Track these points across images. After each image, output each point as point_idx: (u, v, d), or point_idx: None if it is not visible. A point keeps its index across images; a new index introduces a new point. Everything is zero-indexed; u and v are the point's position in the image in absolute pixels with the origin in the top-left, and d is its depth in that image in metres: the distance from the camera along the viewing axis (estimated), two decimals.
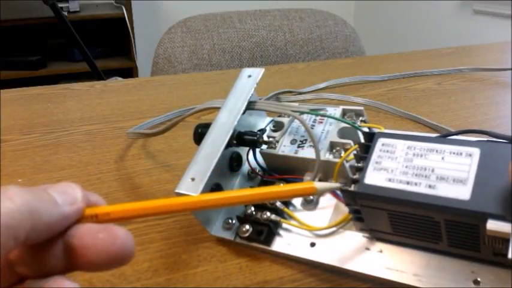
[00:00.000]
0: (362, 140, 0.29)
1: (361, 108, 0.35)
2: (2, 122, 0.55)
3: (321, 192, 0.24)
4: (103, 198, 0.22)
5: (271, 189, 0.23)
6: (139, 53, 2.05)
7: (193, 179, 0.30)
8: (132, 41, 1.99)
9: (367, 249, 0.29)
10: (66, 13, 1.84)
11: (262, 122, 0.39)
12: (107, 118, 0.56)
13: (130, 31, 1.97)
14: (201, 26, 1.04)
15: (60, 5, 1.50)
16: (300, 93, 0.62)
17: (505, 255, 0.22)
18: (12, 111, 0.58)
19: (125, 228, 0.19)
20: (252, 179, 0.36)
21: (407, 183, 0.25)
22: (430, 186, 0.24)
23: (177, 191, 0.30)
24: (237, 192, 0.23)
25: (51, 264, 0.19)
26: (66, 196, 0.19)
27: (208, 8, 1.42)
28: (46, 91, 0.67)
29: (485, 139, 0.29)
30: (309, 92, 0.63)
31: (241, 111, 0.34)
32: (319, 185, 0.24)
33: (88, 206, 0.20)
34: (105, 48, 2.11)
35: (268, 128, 0.37)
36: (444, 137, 0.30)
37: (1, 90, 0.65)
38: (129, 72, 2.07)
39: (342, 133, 0.34)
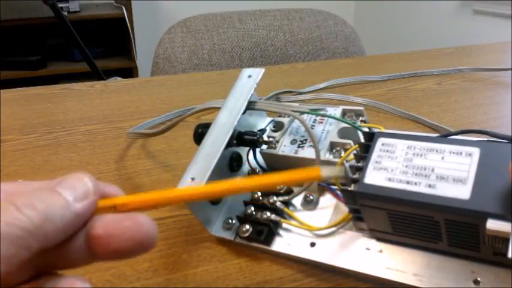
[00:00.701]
0: (362, 140, 0.29)
1: (361, 108, 0.35)
2: (2, 122, 0.55)
3: (325, 179, 0.23)
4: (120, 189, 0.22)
5: (276, 176, 0.23)
6: (139, 53, 2.05)
7: (193, 179, 0.30)
8: (132, 41, 1.99)
9: (367, 249, 0.29)
10: (66, 13, 1.84)
11: (262, 122, 0.39)
12: (107, 118, 0.56)
13: (130, 31, 1.97)
14: (201, 26, 1.04)
15: (60, 5, 1.50)
16: (300, 93, 0.62)
17: (505, 254, 0.22)
18: (12, 111, 0.58)
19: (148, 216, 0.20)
20: None
21: (407, 182, 0.25)
22: (430, 186, 0.24)
23: None
24: (247, 180, 0.22)
25: (70, 258, 0.19)
26: (76, 191, 0.19)
27: (208, 8, 1.42)
28: (46, 91, 0.67)
29: (485, 139, 0.29)
30: (309, 92, 0.63)
31: (241, 111, 0.34)
32: (324, 171, 0.23)
33: (105, 197, 0.20)
34: (105, 48, 2.11)
35: (268, 128, 0.37)
36: (444, 137, 0.30)
37: (1, 90, 0.65)
38: (129, 72, 2.07)
39: (342, 133, 0.34)
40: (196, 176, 0.30)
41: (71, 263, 0.19)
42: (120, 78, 1.44)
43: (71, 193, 0.19)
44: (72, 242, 0.19)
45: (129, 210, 0.20)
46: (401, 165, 0.26)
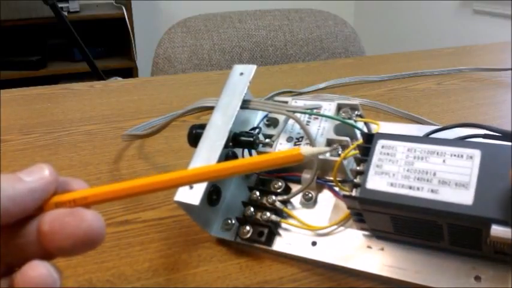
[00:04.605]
0: (359, 137, 0.29)
1: (357, 103, 0.35)
2: (2, 122, 0.54)
3: (308, 159, 0.23)
4: (87, 184, 0.22)
5: (257, 158, 0.23)
6: (139, 53, 2.05)
7: (191, 187, 0.30)
8: (132, 41, 1.99)
9: (369, 247, 0.29)
10: (66, 13, 1.84)
11: (255, 116, 0.38)
12: (107, 118, 0.56)
13: (130, 31, 1.97)
14: (201, 26, 1.04)
15: (60, 5, 1.50)
16: (300, 93, 0.62)
17: (506, 253, 0.22)
18: (12, 111, 0.58)
19: (95, 211, 0.19)
20: (249, 177, 0.36)
21: (410, 187, 0.25)
22: (432, 191, 0.24)
23: (176, 199, 0.30)
24: (222, 164, 0.22)
25: (30, 252, 0.19)
26: (33, 174, 0.20)
27: (208, 8, 1.42)
28: (46, 91, 0.67)
29: (483, 137, 0.29)
30: (309, 92, 0.63)
31: (236, 112, 0.33)
32: (305, 151, 0.22)
33: (69, 191, 0.21)
34: (105, 48, 2.11)
35: (262, 124, 0.37)
36: (440, 130, 0.30)
37: (1, 90, 0.65)
38: (129, 72, 2.07)
39: (338, 129, 0.33)
40: (195, 184, 0.30)
41: (29, 259, 0.19)
42: (120, 78, 1.44)
43: (27, 175, 0.19)
44: (27, 232, 0.19)
45: (89, 204, 0.20)
46: (402, 169, 0.26)
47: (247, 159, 0.23)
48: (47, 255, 0.19)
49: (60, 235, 0.18)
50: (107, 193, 0.21)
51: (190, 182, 0.22)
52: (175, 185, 0.21)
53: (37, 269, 0.18)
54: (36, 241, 0.19)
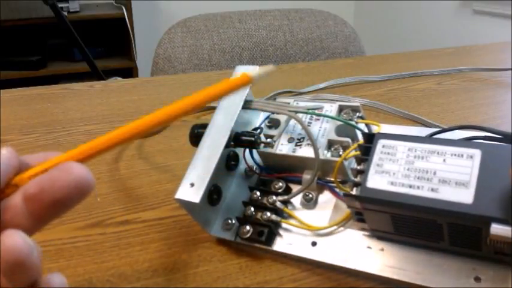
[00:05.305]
0: (360, 138, 0.29)
1: (358, 104, 0.35)
2: (2, 122, 0.54)
3: (256, 79, 0.24)
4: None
5: (209, 90, 0.23)
6: (139, 53, 2.05)
7: (192, 185, 0.30)
8: (132, 41, 1.99)
9: (369, 247, 0.29)
10: (66, 13, 1.84)
11: (257, 118, 0.39)
12: (107, 118, 0.56)
13: (130, 31, 1.97)
14: (201, 26, 1.04)
15: (60, 5, 1.50)
16: (300, 94, 0.62)
17: (506, 254, 0.22)
18: (12, 111, 0.58)
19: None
20: (250, 177, 0.36)
21: (410, 186, 0.25)
22: (432, 190, 0.24)
23: (177, 197, 0.30)
24: (172, 106, 0.22)
25: (14, 224, 0.19)
26: None
27: (208, 8, 1.42)
28: (46, 91, 0.67)
29: (483, 138, 0.29)
30: (308, 92, 0.63)
31: (238, 112, 0.34)
32: (252, 73, 0.24)
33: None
34: (105, 48, 2.11)
35: (264, 125, 0.37)
36: (440, 132, 0.30)
37: (1, 90, 0.65)
38: (129, 72, 2.07)
39: (340, 130, 0.33)
40: (196, 182, 0.30)
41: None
42: (120, 78, 1.44)
43: None
44: (9, 204, 0.19)
45: None
46: (403, 169, 0.26)
47: (201, 92, 0.23)
48: (36, 224, 0.20)
49: (51, 191, 0.19)
50: (77, 154, 0.21)
51: (154, 125, 0.22)
52: (142, 133, 0.22)
53: (12, 237, 0.18)
54: (23, 212, 0.19)
